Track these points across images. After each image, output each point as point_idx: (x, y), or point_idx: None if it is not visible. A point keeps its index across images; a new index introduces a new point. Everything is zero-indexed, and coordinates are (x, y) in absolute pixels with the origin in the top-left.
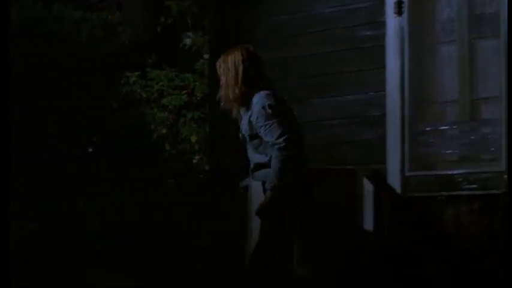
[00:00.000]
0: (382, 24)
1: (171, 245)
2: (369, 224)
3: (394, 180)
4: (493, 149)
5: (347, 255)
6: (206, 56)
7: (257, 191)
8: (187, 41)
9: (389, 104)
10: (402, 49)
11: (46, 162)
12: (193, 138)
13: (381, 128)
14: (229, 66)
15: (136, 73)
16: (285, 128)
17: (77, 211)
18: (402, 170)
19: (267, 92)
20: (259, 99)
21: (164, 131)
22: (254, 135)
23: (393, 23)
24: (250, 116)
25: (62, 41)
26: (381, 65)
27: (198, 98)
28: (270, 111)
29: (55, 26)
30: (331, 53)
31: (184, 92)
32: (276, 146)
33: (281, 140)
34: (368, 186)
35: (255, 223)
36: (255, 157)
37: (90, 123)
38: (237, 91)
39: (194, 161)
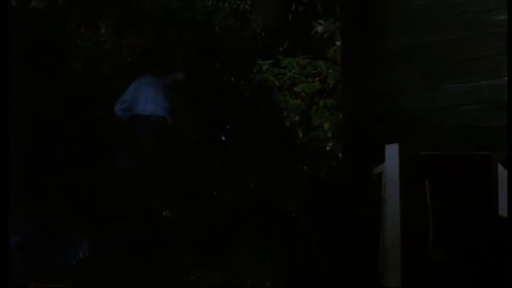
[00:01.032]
0: None
1: (303, 230)
2: (503, 210)
3: None
4: None
5: (482, 240)
6: (338, 43)
7: (392, 178)
8: (319, 28)
9: None
10: None
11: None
12: (326, 126)
13: None
14: None
15: (269, 61)
16: None
17: (210, 196)
18: None
19: None
20: None
21: (297, 118)
22: None
23: None
24: None
25: (195, 30)
26: None
27: (331, 85)
28: None
29: (188, 15)
30: (465, 38)
31: (316, 79)
32: None
33: None
34: (502, 172)
35: (389, 209)
36: None
37: (225, 111)
38: None
39: (327, 148)
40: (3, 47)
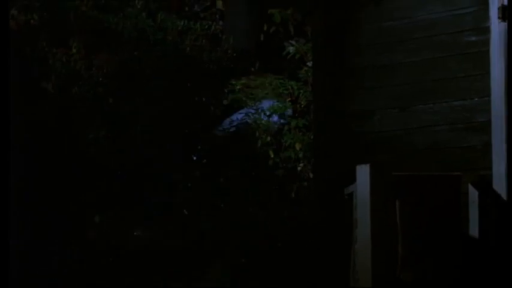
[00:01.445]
0: (487, 30)
1: (278, 252)
2: (474, 231)
3: (500, 186)
4: None
5: (452, 262)
6: (309, 64)
7: (363, 198)
8: (291, 49)
9: (494, 110)
10: (507, 54)
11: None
12: (298, 146)
13: (486, 133)
14: None
15: (242, 81)
16: None
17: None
18: (508, 176)
19: None
20: None
21: (268, 138)
22: None
23: (497, 29)
24: None
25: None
26: (486, 71)
27: (302, 106)
28: None
29: (159, 35)
30: (436, 59)
31: (288, 99)
32: None
33: None
34: (473, 193)
35: (361, 229)
36: None
37: (196, 132)
38: None
39: (298, 168)
40: (4, 48)
